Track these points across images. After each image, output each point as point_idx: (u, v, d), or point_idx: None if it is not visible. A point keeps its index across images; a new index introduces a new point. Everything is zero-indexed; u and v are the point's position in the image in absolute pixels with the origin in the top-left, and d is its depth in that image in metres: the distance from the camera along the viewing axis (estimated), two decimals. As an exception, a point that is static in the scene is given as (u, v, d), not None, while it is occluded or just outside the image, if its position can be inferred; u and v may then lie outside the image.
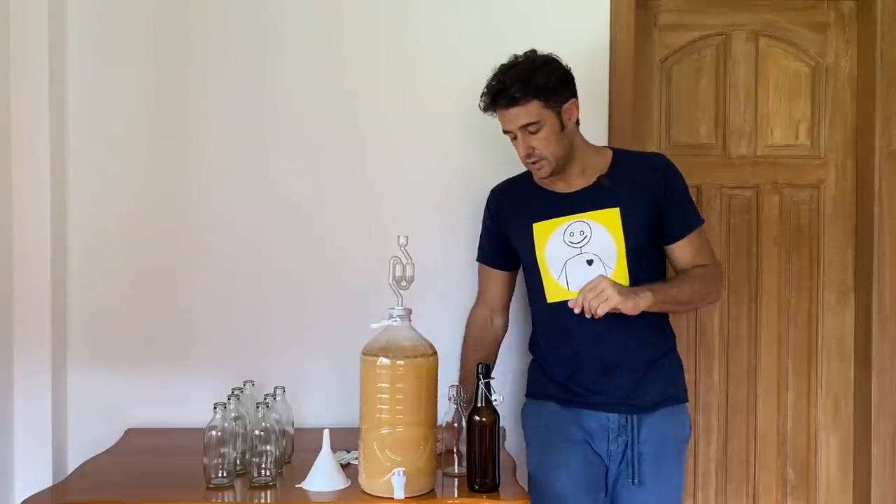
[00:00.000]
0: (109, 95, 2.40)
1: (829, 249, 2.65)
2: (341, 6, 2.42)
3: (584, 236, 1.99)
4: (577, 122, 2.05)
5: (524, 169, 2.14)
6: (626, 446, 1.99)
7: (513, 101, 1.94)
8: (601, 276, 1.90)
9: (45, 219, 2.30)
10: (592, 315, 1.85)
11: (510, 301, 2.25)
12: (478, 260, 2.24)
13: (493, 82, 1.98)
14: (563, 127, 1.98)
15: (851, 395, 2.64)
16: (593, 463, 2.01)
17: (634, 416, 1.99)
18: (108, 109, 2.40)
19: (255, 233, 2.41)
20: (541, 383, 2.12)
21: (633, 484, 1.98)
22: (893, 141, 2.51)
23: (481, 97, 2.01)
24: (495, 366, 2.19)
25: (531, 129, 1.96)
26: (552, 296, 2.04)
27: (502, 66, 1.99)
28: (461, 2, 2.43)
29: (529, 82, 1.93)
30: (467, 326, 2.23)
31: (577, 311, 1.86)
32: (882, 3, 2.50)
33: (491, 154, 2.38)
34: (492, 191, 2.21)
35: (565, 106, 1.98)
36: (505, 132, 2.03)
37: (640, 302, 1.86)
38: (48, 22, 2.29)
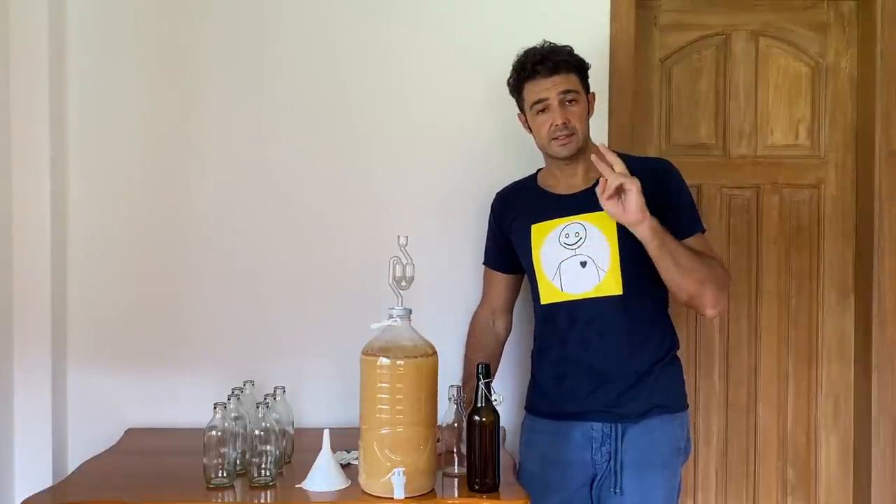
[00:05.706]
0: (109, 95, 2.40)
1: (829, 249, 2.64)
2: (343, 6, 2.42)
3: (579, 238, 1.99)
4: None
5: (524, 171, 2.14)
6: (610, 456, 1.98)
7: (556, 69, 1.98)
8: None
9: (45, 219, 2.30)
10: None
11: (513, 304, 2.26)
12: (483, 263, 2.26)
13: (533, 53, 2.00)
14: (589, 111, 2.04)
15: (851, 396, 2.64)
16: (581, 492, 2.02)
17: (619, 425, 1.98)
18: (109, 109, 2.40)
19: (255, 232, 2.41)
20: (532, 395, 2.13)
21: (615, 493, 1.97)
22: (893, 141, 2.50)
23: (514, 70, 2.03)
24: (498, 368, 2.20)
25: (570, 97, 1.99)
26: (546, 297, 2.04)
27: (535, 46, 2.02)
28: (461, 2, 2.43)
29: (573, 55, 2.00)
30: (470, 327, 2.25)
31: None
32: (882, 3, 2.50)
33: (492, 154, 2.38)
34: (496, 195, 2.22)
35: (590, 94, 2.05)
36: (537, 102, 2.00)
37: (647, 219, 1.82)
38: (48, 22, 2.29)
